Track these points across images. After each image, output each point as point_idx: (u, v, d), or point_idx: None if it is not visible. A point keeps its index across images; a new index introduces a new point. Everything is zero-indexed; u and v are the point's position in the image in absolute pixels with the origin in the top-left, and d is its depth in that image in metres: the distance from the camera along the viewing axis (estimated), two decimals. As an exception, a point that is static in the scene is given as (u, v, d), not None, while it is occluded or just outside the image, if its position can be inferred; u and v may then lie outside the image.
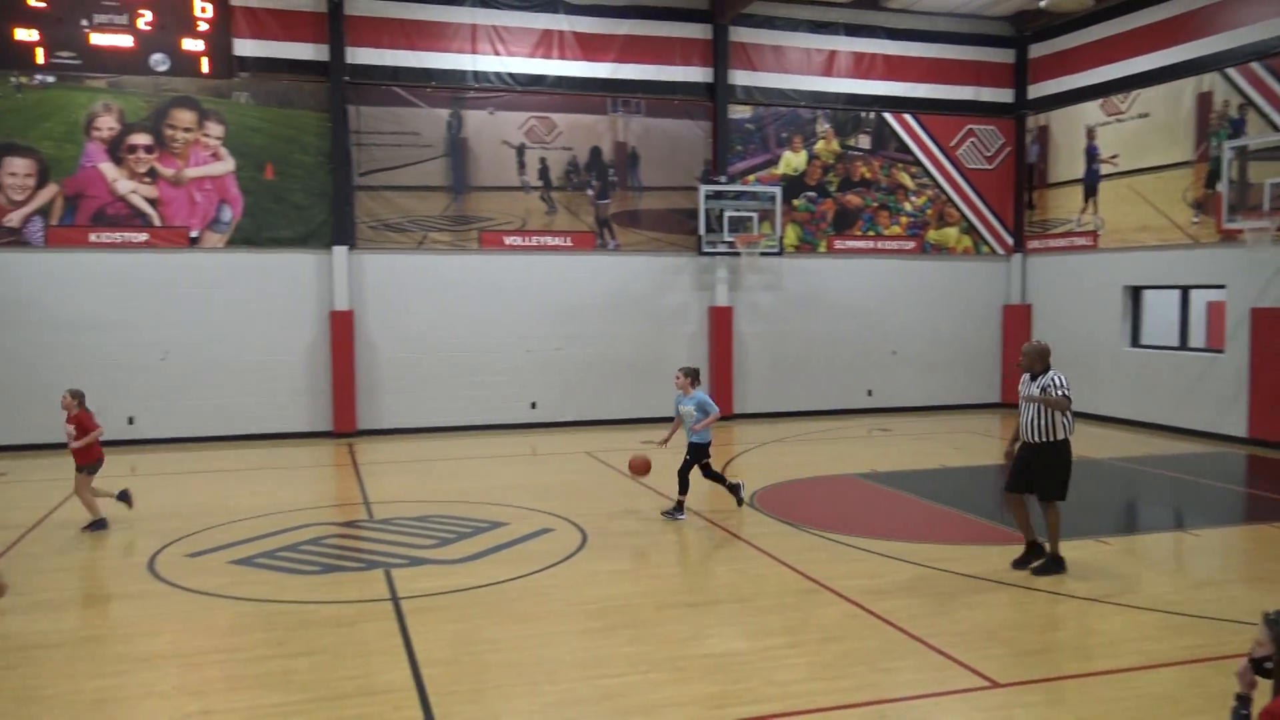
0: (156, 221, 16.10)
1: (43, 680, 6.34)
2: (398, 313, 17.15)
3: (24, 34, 14.67)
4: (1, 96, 15.42)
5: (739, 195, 18.44)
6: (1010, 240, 20.48)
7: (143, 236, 16.04)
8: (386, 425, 17.10)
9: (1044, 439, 8.26)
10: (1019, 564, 8.58)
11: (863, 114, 19.53)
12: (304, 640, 7.00)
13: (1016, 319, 20.22)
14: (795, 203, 19.17)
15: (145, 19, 15.09)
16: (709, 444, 10.71)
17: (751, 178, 18.90)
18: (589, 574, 8.60)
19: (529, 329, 17.73)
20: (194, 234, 16.26)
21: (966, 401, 20.18)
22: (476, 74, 17.30)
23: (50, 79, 15.54)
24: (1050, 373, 8.26)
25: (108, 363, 15.79)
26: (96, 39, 14.97)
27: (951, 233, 20.23)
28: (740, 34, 18.51)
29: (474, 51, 17.25)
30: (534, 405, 17.85)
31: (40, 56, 14.83)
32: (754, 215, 18.34)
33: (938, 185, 20.06)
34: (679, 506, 10.65)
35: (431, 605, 7.76)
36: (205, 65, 15.46)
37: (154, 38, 15.18)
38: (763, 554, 9.14)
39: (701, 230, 18.15)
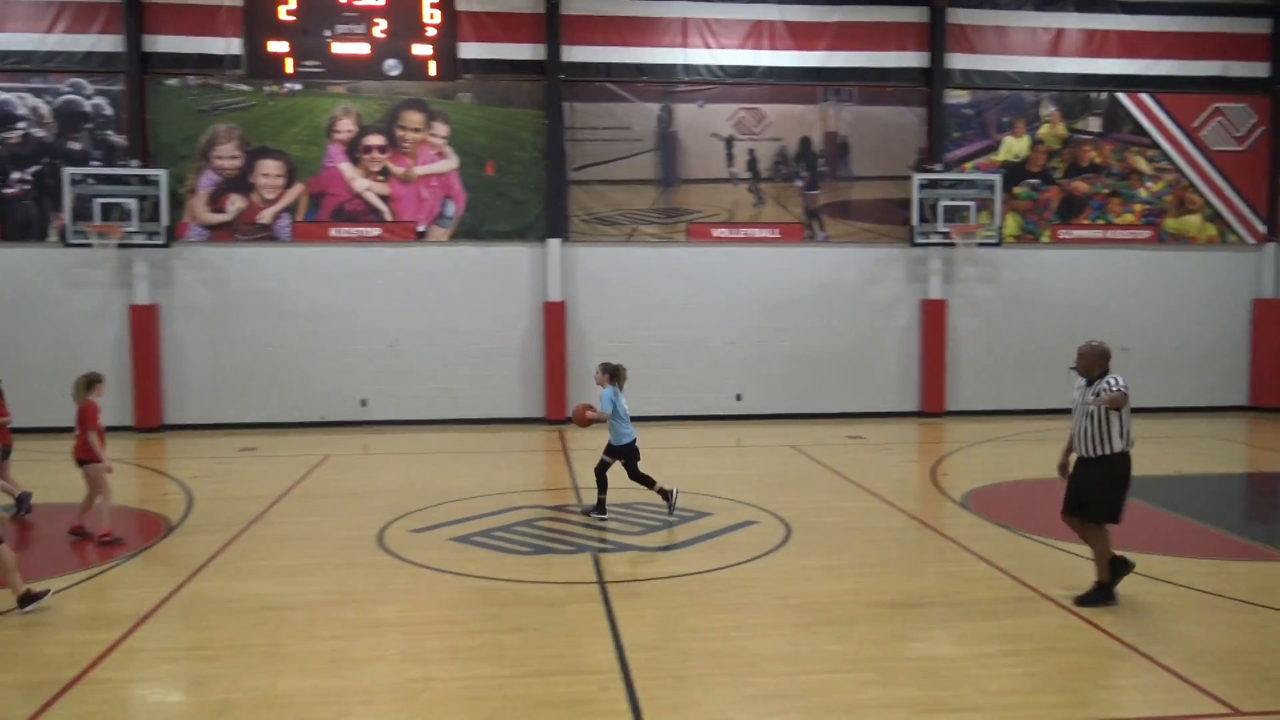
0: (388, 217, 17.18)
1: (284, 639, 6.90)
2: (607, 304, 17.57)
3: (275, 46, 16.00)
4: (255, 104, 16.86)
5: (955, 184, 17.75)
6: (1263, 228, 18.70)
7: (376, 231, 17.17)
8: (595, 413, 17.54)
9: (1098, 451, 7.33)
10: (1083, 601, 7.53)
11: (1093, 95, 18.33)
12: (516, 617, 7.30)
13: (1270, 314, 18.47)
14: (1016, 191, 18.25)
15: (380, 27, 16.13)
16: (627, 444, 10.31)
17: (969, 165, 18.13)
18: (793, 568, 8.53)
19: (735, 321, 17.75)
20: (421, 228, 17.25)
21: (1209, 404, 18.62)
22: (687, 67, 17.44)
23: (297, 87, 16.86)
24: (1109, 377, 7.32)
25: (344, 349, 17.02)
26: (338, 48, 16.13)
27: (1193, 220, 18.69)
28: (959, 15, 17.78)
29: (684, 45, 17.39)
30: (739, 397, 17.86)
31: (289, 66, 16.15)
32: (971, 204, 17.60)
33: (1178, 169, 18.57)
34: (599, 505, 10.30)
35: (636, 590, 7.92)
36: (433, 69, 16.36)
37: (387, 45, 16.20)
38: (975, 556, 8.78)
39: (915, 221, 17.59)
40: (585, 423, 10.49)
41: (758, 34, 17.51)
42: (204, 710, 5.80)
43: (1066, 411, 7.71)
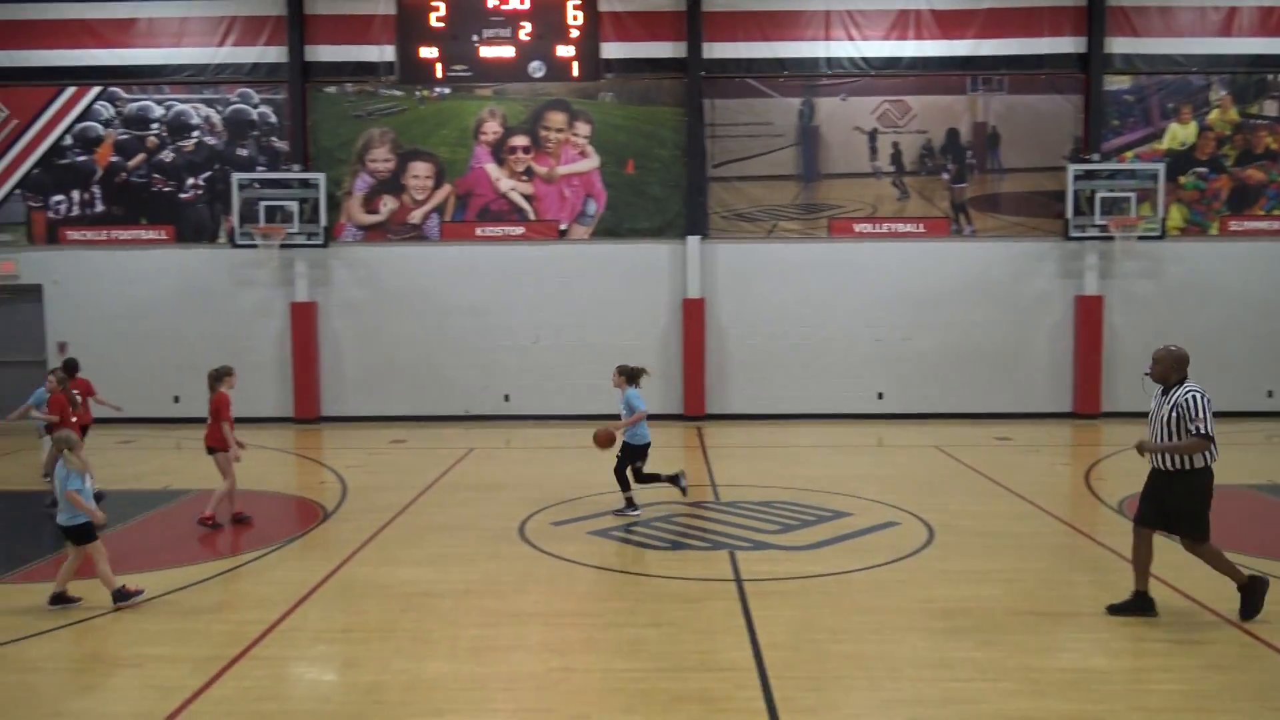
0: (531, 216, 17.56)
1: (431, 625, 7.15)
2: (747, 300, 17.48)
3: (426, 52, 16.66)
4: (407, 109, 17.50)
5: (1114, 174, 16.90)
6: None
7: (519, 230, 17.57)
8: (734, 410, 17.51)
9: (1177, 466, 6.78)
10: (1116, 609, 7.16)
11: (1270, 76, 17.14)
12: (653, 612, 7.36)
13: None
14: (1182, 180, 17.24)
15: (525, 30, 16.56)
16: (644, 445, 10.34)
17: (1129, 154, 17.24)
18: (936, 572, 8.30)
19: (877, 317, 17.39)
20: (563, 227, 17.56)
21: (1399, 408, 17.17)
22: (829, 60, 17.18)
23: (446, 91, 17.42)
24: (1187, 387, 6.76)
25: (489, 345, 17.50)
26: (485, 52, 16.67)
27: (1384, 210, 17.26)
28: (1120, -3, 16.92)
29: (827, 38, 17.14)
30: (880, 396, 17.50)
31: (439, 71, 16.79)
32: (1131, 195, 16.72)
33: (1366, 155, 17.18)
34: (629, 503, 10.29)
35: (773, 589, 7.86)
36: (576, 69, 16.69)
37: (532, 47, 16.63)
38: (1130, 565, 8.33)
39: (1069, 213, 16.84)
40: (610, 442, 10.45)
41: (903, 24, 17.09)
42: (355, 690, 6.06)
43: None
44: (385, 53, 17.21)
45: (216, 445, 10.08)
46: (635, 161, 17.49)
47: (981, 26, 17.04)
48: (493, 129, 17.51)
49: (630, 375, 10.68)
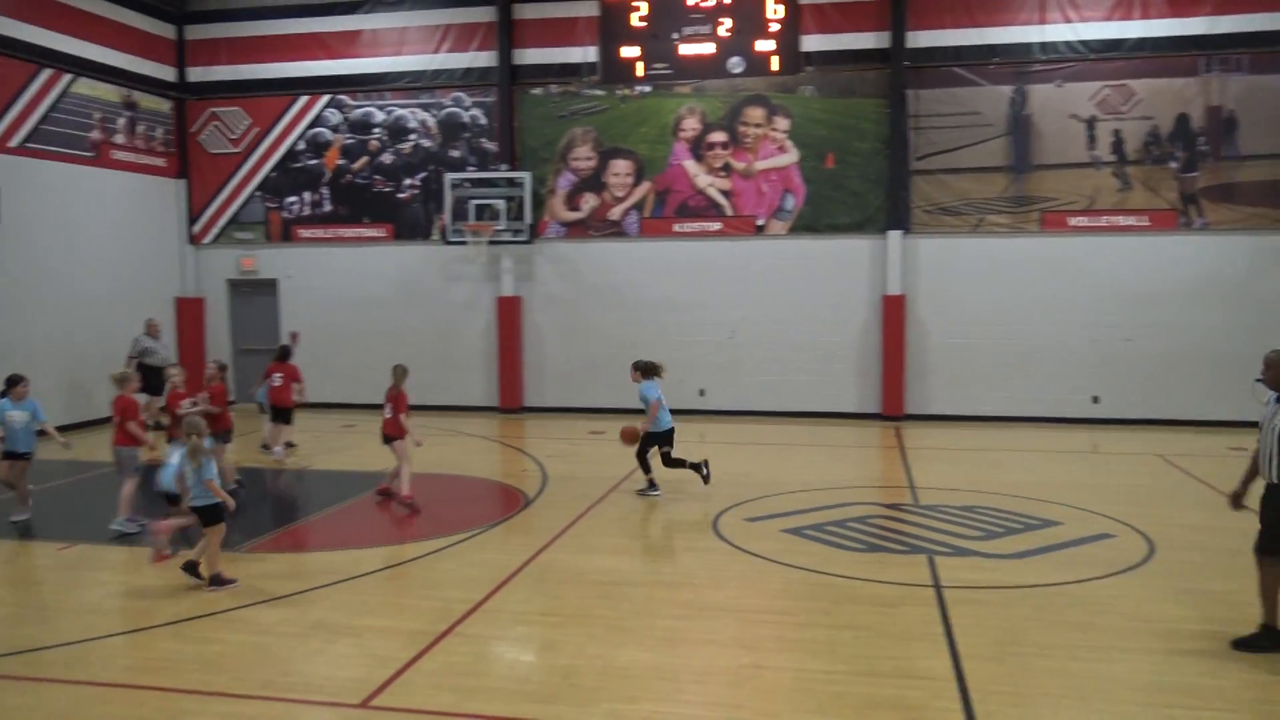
0: (729, 212, 17.58)
1: (625, 613, 7.30)
2: (950, 297, 16.86)
3: (627, 52, 16.98)
4: (610, 108, 17.88)
5: (1374, 159, 15.23)
6: None
7: (717, 226, 17.62)
8: (934, 411, 16.94)
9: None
10: (1241, 645, 6.42)
11: None
12: (847, 614, 7.23)
13: None
14: None
15: (725, 26, 16.60)
16: (665, 431, 11.11)
17: (1393, 137, 15.49)
18: (1155, 589, 7.75)
19: (1093, 317, 16.37)
20: (760, 222, 17.48)
21: None
22: (1044, 45, 16.30)
23: (647, 89, 17.68)
24: None
25: (684, 339, 17.65)
26: (684, 49, 16.82)
27: None
28: (1385, -37, 15.23)
29: (1042, 22, 16.27)
30: (1096, 399, 16.48)
31: (639, 70, 17.07)
32: (1395, 183, 15.03)
33: None
34: (650, 484, 11.19)
35: (975, 598, 7.56)
36: (775, 63, 16.57)
37: (731, 43, 16.64)
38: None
39: (1319, 203, 15.31)
40: (635, 438, 11.30)
41: (1126, 3, 16.00)
42: (552, 672, 6.27)
43: None
44: (588, 54, 17.65)
45: (395, 434, 10.87)
46: (835, 155, 17.19)
47: (1216, 2, 15.72)
48: (691, 126, 17.64)
49: (645, 370, 11.45)
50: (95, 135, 17.19)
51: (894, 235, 16.84)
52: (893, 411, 16.93)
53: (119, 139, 17.76)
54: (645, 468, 11.31)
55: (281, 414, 13.73)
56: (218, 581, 7.91)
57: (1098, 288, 16.36)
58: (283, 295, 19.24)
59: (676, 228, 17.77)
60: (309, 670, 6.33)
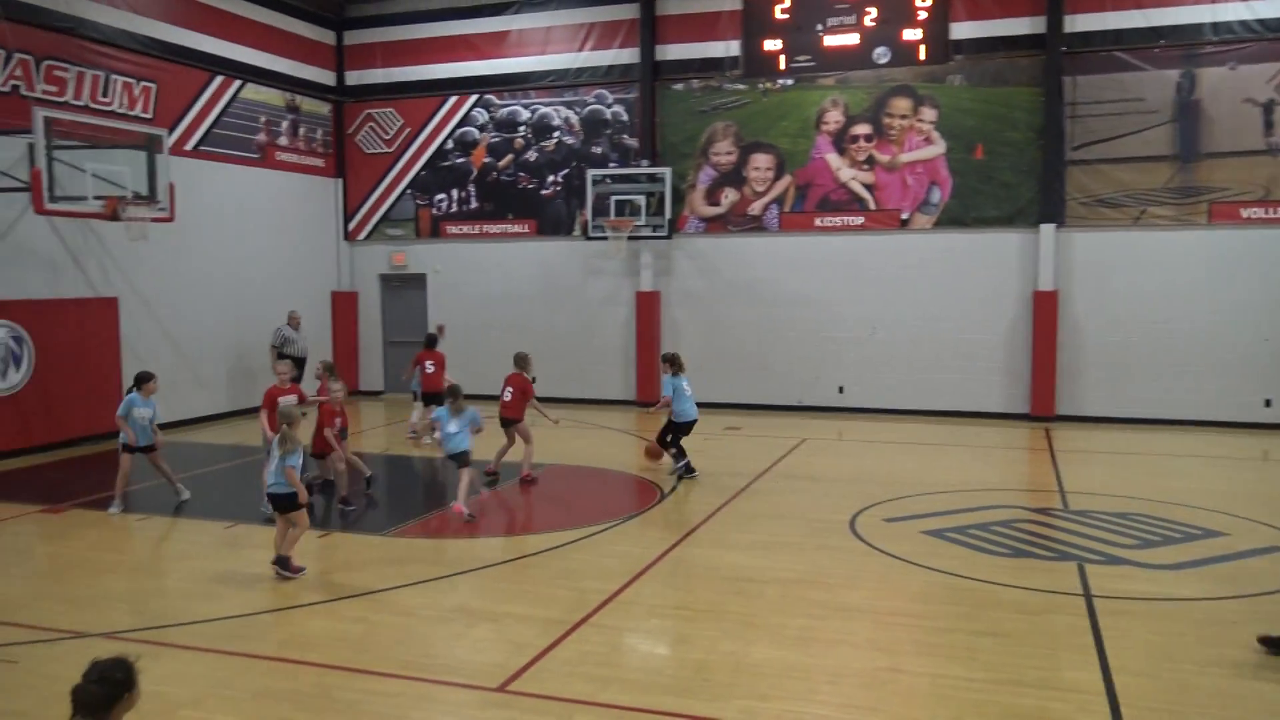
0: (871, 205, 17.22)
1: (758, 610, 7.25)
2: (1108, 294, 16.06)
3: (770, 45, 16.87)
4: (751, 101, 17.76)
5: None
6: None
7: (859, 220, 17.29)
8: (1088, 412, 16.18)
9: None
10: None
11: None
12: (990, 620, 6.99)
13: None
14: None
15: (870, 16, 16.27)
16: (685, 422, 11.92)
17: None
18: (1332, 608, 7.21)
19: (1267, 315, 15.30)
20: (904, 216, 17.06)
21: None
22: (1216, 25, 15.32)
23: (789, 82, 17.48)
24: None
25: (822, 336, 17.40)
26: (828, 40, 16.60)
27: None
28: None
29: (1214, 1, 15.30)
30: (1269, 403, 15.41)
31: (782, 63, 16.92)
32: None
33: None
34: (685, 467, 11.87)
35: (1129, 609, 7.19)
36: (923, 53, 16.14)
37: (876, 33, 16.33)
38: None
39: None
40: (657, 456, 12.37)
41: (1311, -22, 14.89)
42: (685, 666, 6.29)
43: None
44: (730, 48, 17.58)
45: (516, 417, 11.82)
46: (984, 146, 16.60)
47: None
48: (834, 118, 17.35)
49: (671, 361, 12.22)
50: (261, 138, 18.18)
51: (1047, 229, 16.15)
52: (1042, 412, 16.26)
53: (282, 141, 18.73)
54: (677, 454, 11.99)
55: (434, 399, 14.22)
56: (284, 566, 8.03)
57: (1272, 283, 15.29)
58: (430, 290, 19.91)
59: (817, 222, 17.52)
60: (449, 653, 6.54)
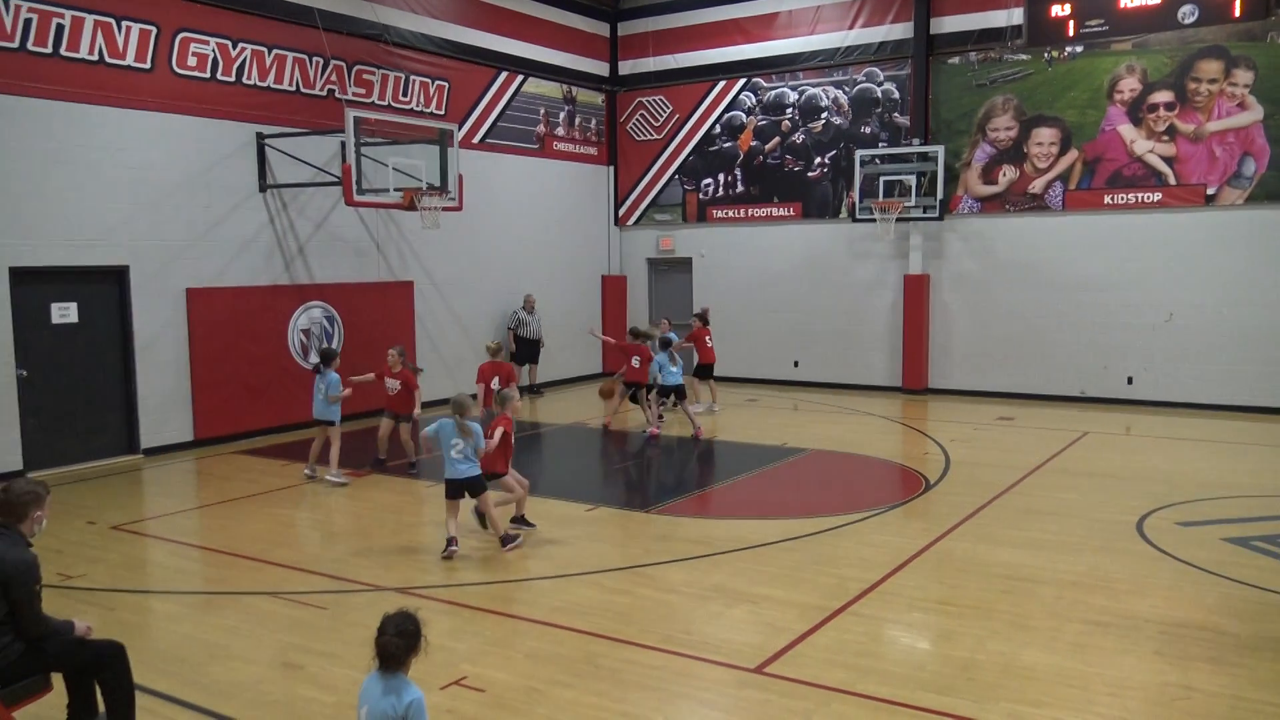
0: (1171, 180, 15.73)
1: (1030, 611, 6.87)
2: None
3: (1057, 10, 15.72)
4: (1034, 72, 16.70)
5: None
6: None
7: (1156, 196, 15.85)
8: None
9: None
10: None
11: None
12: (1303, 642, 6.26)
13: None
14: None
15: (1174, -28, 14.79)
16: (668, 385, 13.69)
17: None
18: None
19: None
20: (1211, 191, 15.46)
21: None
22: None
23: (1078, 49, 16.27)
24: None
25: (1109, 322, 16.14)
26: (1124, 2, 15.24)
27: None
28: None
29: None
30: None
31: (1071, 29, 15.74)
32: None
33: None
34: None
35: None
36: (1237, 8, 14.49)
37: (1182, -10, 14.82)
38: None
39: None
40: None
41: None
42: (950, 663, 6.07)
43: None
44: (1013, 16, 16.56)
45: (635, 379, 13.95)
46: (1314, 110, 14.72)
47: None
48: (1129, 86, 15.97)
49: (661, 344, 13.76)
50: (540, 129, 19.15)
51: (1388, 203, 14.13)
52: (1378, 412, 14.29)
53: (559, 131, 19.64)
54: (683, 406, 13.74)
55: (706, 370, 15.87)
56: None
57: None
58: (696, 273, 20.24)
59: (1107, 199, 16.23)
60: (708, 631, 6.66)
